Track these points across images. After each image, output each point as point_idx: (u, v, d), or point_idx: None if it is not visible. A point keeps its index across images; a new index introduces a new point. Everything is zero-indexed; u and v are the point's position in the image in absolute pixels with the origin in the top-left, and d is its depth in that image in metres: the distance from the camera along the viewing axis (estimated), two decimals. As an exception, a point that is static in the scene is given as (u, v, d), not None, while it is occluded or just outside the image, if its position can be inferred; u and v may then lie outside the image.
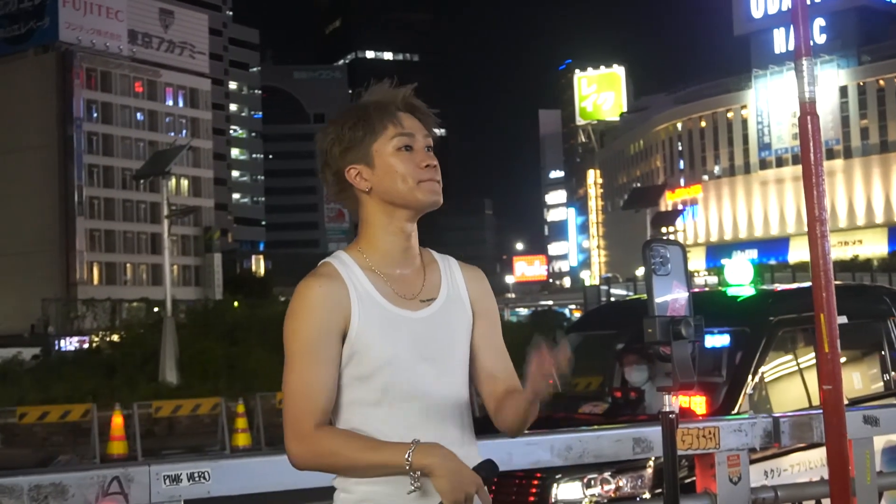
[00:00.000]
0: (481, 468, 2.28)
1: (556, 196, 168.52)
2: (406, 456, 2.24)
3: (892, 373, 7.34)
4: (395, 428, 2.36)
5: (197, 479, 3.31)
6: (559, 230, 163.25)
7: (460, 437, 2.43)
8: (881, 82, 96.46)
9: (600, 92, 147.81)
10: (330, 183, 2.53)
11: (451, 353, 2.46)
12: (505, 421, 2.45)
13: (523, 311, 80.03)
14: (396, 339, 2.38)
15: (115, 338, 30.39)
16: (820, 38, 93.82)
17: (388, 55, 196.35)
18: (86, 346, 34.90)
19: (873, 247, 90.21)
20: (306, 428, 2.31)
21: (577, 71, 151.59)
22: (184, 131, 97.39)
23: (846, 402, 4.56)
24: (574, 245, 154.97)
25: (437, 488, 2.23)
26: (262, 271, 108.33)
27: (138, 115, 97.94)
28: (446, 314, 2.48)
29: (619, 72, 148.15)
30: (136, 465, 3.29)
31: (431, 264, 2.55)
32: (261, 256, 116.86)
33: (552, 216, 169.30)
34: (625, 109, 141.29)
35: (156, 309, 31.67)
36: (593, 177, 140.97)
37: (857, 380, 7.13)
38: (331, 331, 2.36)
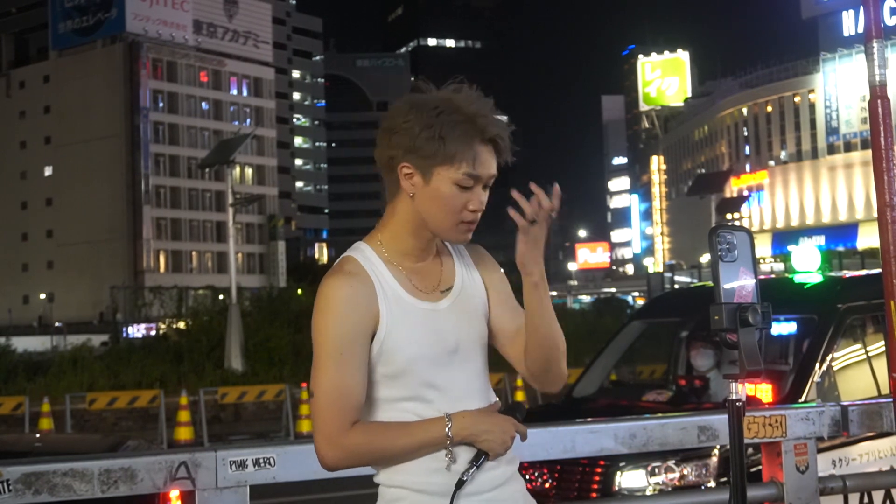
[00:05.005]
0: (510, 411, 2.40)
1: (619, 183, 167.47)
2: (446, 431, 2.30)
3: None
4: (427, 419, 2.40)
5: (262, 464, 3.33)
6: (622, 217, 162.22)
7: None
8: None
9: (664, 77, 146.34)
10: (381, 156, 2.45)
11: (473, 338, 2.48)
12: (533, 364, 2.50)
13: (586, 299, 79.71)
14: (423, 335, 2.40)
15: (182, 325, 30.72)
16: (891, 21, 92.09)
17: (450, 42, 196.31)
18: (153, 333, 35.30)
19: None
20: (340, 430, 2.32)
21: (640, 56, 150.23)
22: (248, 120, 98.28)
23: (917, 390, 4.48)
24: (637, 232, 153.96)
25: (484, 448, 2.32)
26: (325, 259, 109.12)
27: (203, 104, 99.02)
28: (465, 300, 2.50)
29: (683, 56, 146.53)
30: (202, 450, 3.32)
31: (444, 252, 2.56)
32: (324, 244, 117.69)
33: (615, 203, 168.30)
34: (689, 95, 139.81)
35: (221, 296, 31.95)
36: (657, 163, 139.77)
37: (928, 368, 7.00)
38: (360, 332, 2.36)
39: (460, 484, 2.31)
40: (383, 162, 2.44)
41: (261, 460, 3.34)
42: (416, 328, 2.39)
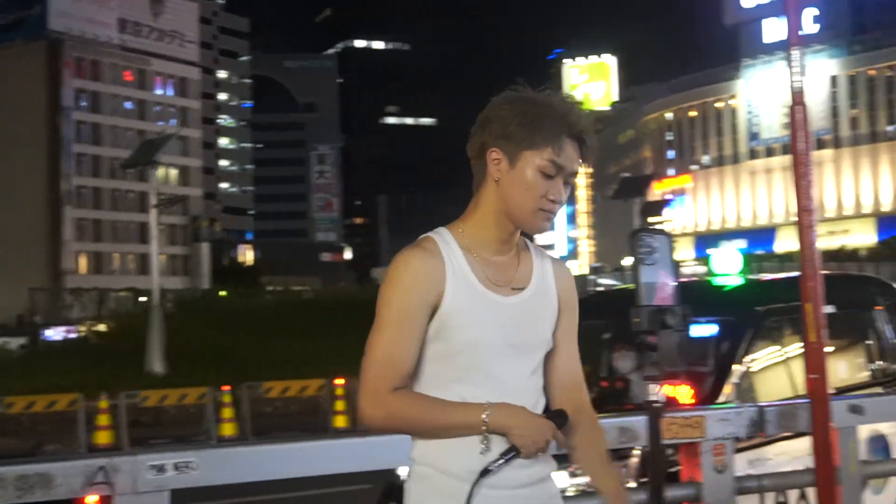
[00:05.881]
0: (552, 416, 2.44)
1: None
2: (483, 417, 2.36)
3: (878, 362, 7.37)
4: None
5: (183, 468, 3.30)
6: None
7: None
8: (872, 72, 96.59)
9: (590, 81, 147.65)
10: (474, 145, 2.57)
11: (534, 341, 2.53)
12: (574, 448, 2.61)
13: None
14: (485, 322, 2.46)
15: (103, 327, 30.31)
16: (811, 28, 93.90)
17: (379, 44, 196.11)
18: (73, 335, 34.80)
19: (861, 236, 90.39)
20: (385, 391, 2.39)
21: (566, 60, 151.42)
22: (173, 120, 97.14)
23: (832, 391, 4.58)
24: (563, 235, 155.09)
25: (516, 443, 2.36)
26: (249, 260, 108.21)
27: (127, 104, 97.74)
28: (535, 304, 2.56)
29: (609, 61, 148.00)
30: (122, 454, 3.29)
31: (525, 253, 2.63)
32: (249, 246, 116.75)
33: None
34: (615, 99, 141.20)
35: (143, 298, 31.59)
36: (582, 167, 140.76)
37: (843, 369, 7.15)
38: (424, 304, 2.43)
39: (485, 472, 2.37)
40: (475, 150, 2.56)
41: (181, 464, 3.31)
42: (479, 314, 2.46)
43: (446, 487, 2.42)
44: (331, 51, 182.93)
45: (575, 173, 2.55)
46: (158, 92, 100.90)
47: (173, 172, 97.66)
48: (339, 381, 19.81)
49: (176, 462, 3.31)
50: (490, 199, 2.53)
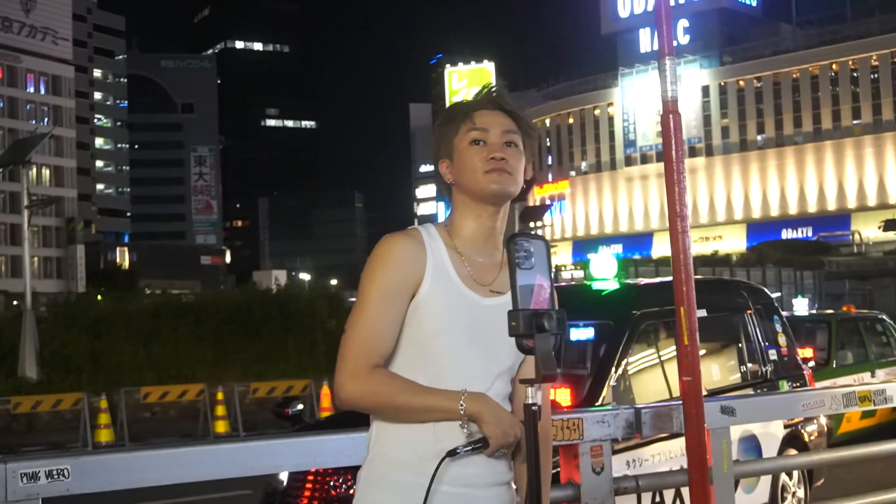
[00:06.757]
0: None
1: (426, 190, 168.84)
2: (460, 402, 2.38)
3: (749, 364, 7.59)
4: None
5: (56, 476, 3.22)
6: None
7: None
8: (741, 83, 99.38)
9: (471, 87, 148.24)
10: (438, 174, 2.71)
11: (502, 346, 2.51)
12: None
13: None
14: (457, 316, 2.50)
15: (-28, 332, 29.31)
16: (683, 39, 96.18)
17: (258, 45, 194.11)
18: (-60, 340, 33.54)
19: (732, 242, 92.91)
20: (364, 367, 2.43)
21: (447, 66, 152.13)
22: (45, 119, 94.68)
23: (705, 392, 4.69)
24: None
25: (485, 433, 2.38)
26: (126, 263, 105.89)
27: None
28: None
29: (488, 67, 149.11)
30: (-9, 462, 3.19)
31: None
32: (125, 248, 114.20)
33: (422, 210, 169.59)
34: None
35: (15, 302, 30.72)
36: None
37: (716, 371, 7.34)
38: (404, 286, 2.49)
39: (452, 453, 2.39)
40: (438, 173, 2.71)
41: (54, 472, 3.22)
42: (452, 304, 2.50)
43: (398, 479, 2.46)
44: (209, 51, 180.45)
45: (507, 129, 2.62)
46: (30, 90, 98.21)
47: (46, 173, 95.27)
48: (219, 386, 19.60)
49: (49, 469, 3.23)
50: (458, 201, 2.64)
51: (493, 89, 2.67)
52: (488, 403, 2.40)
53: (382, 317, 2.47)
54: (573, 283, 26.00)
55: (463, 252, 2.58)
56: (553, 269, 2.40)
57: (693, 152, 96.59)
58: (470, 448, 2.40)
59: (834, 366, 13.97)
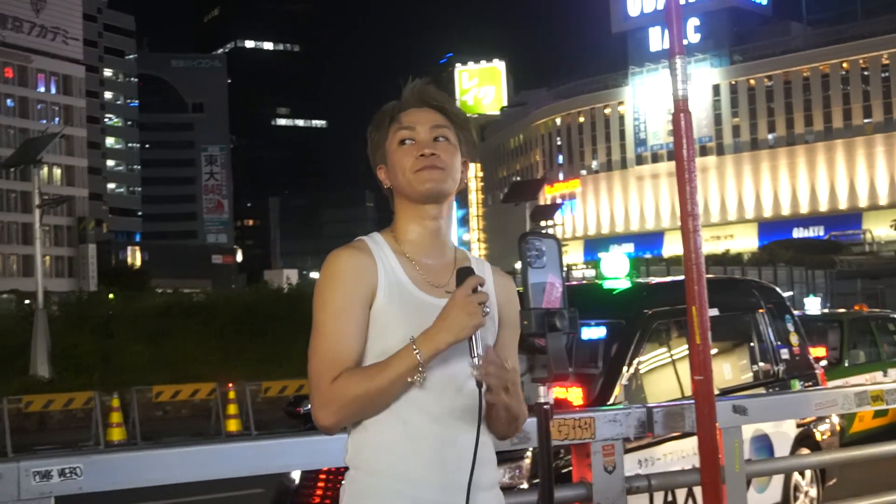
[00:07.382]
0: (460, 279, 2.35)
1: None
2: (415, 354, 2.31)
3: (761, 363, 7.57)
4: (405, 407, 2.41)
5: (68, 474, 3.23)
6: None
7: (471, 426, 2.42)
8: (751, 81, 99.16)
9: (481, 86, 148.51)
10: (380, 181, 2.65)
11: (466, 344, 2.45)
12: (493, 423, 2.53)
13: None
14: (416, 321, 2.41)
15: (-16, 331, 29.40)
16: (694, 38, 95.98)
17: (268, 45, 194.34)
18: (-48, 339, 33.65)
19: (744, 241, 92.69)
20: (327, 385, 2.37)
21: (457, 65, 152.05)
22: (56, 119, 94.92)
23: (717, 392, 4.68)
24: (455, 238, 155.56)
25: (450, 334, 2.30)
26: (138, 262, 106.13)
27: (8, 101, 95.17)
28: None
29: (499, 66, 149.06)
30: (4, 461, 3.20)
31: (464, 262, 2.61)
32: (137, 248, 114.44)
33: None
34: (505, 104, 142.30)
35: (27, 301, 30.78)
36: (474, 170, 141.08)
37: (728, 370, 7.32)
38: (358, 298, 2.43)
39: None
40: (381, 183, 2.64)
41: (66, 470, 3.23)
42: (409, 311, 2.44)
43: (376, 489, 2.41)
44: (219, 51, 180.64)
45: (436, 124, 2.57)
46: (41, 90, 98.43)
47: (58, 172, 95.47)
48: (231, 385, 19.63)
49: (61, 468, 3.23)
50: (399, 205, 2.59)
51: (416, 86, 2.61)
52: (432, 325, 2.34)
53: (340, 334, 2.41)
54: (585, 282, 25.98)
55: (412, 256, 2.53)
56: (564, 268, 2.39)
57: (704, 151, 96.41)
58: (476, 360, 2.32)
59: (846, 365, 13.94)
